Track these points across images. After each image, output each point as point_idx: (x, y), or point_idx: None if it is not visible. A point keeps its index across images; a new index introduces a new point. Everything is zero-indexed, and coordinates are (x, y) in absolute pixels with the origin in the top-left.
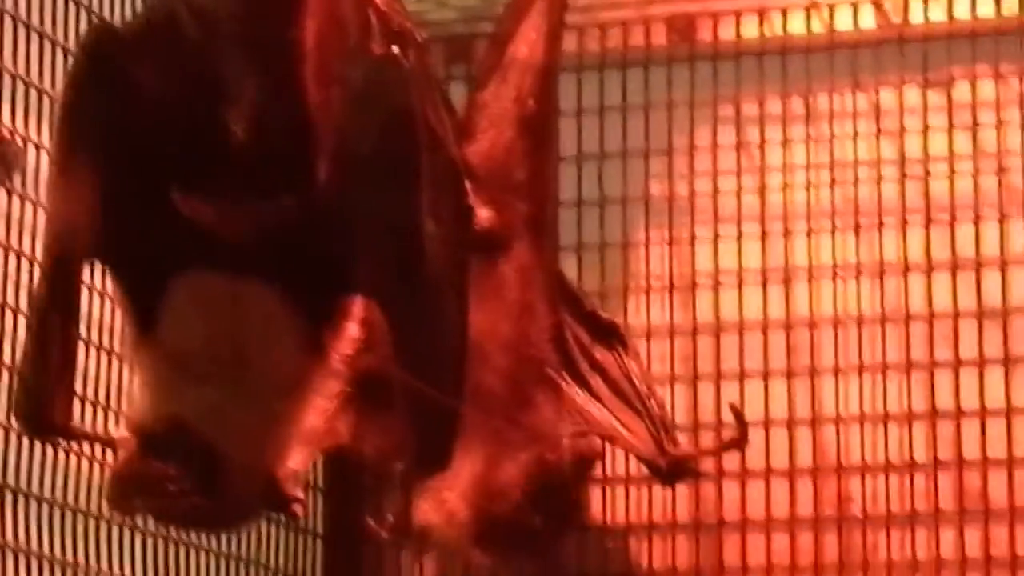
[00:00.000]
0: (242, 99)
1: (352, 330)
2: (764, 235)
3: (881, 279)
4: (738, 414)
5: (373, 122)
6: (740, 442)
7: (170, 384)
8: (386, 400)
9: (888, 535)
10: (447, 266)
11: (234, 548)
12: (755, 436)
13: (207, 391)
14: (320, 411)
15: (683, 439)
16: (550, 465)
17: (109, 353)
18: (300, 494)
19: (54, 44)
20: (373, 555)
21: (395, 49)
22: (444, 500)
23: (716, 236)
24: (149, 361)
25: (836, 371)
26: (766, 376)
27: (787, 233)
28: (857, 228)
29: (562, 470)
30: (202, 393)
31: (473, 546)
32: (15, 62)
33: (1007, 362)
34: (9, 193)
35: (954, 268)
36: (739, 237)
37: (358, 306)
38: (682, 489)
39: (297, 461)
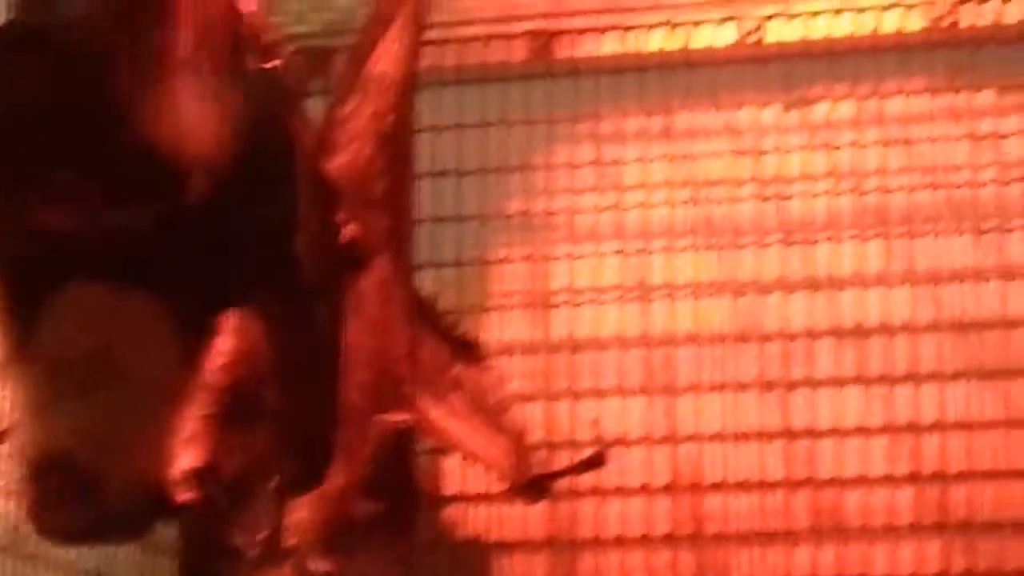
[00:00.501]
0: (112, 107)
1: (225, 343)
2: (622, 253)
3: (739, 298)
4: (596, 432)
5: (250, 134)
6: (598, 461)
7: (47, 397)
8: (258, 415)
9: (744, 553)
10: (319, 281)
11: (84, 563)
12: (612, 454)
13: (84, 404)
14: (192, 423)
15: (540, 457)
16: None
17: None
18: (191, 494)
19: None
20: (229, 573)
21: (273, 63)
22: (303, 515)
23: (574, 254)
24: (26, 374)
25: (693, 389)
26: (623, 394)
27: (645, 251)
28: (715, 246)
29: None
30: (79, 406)
31: (328, 556)
32: None
33: (863, 381)
34: None
35: (811, 287)
36: (597, 254)
37: (232, 319)
38: (538, 507)
39: (181, 464)
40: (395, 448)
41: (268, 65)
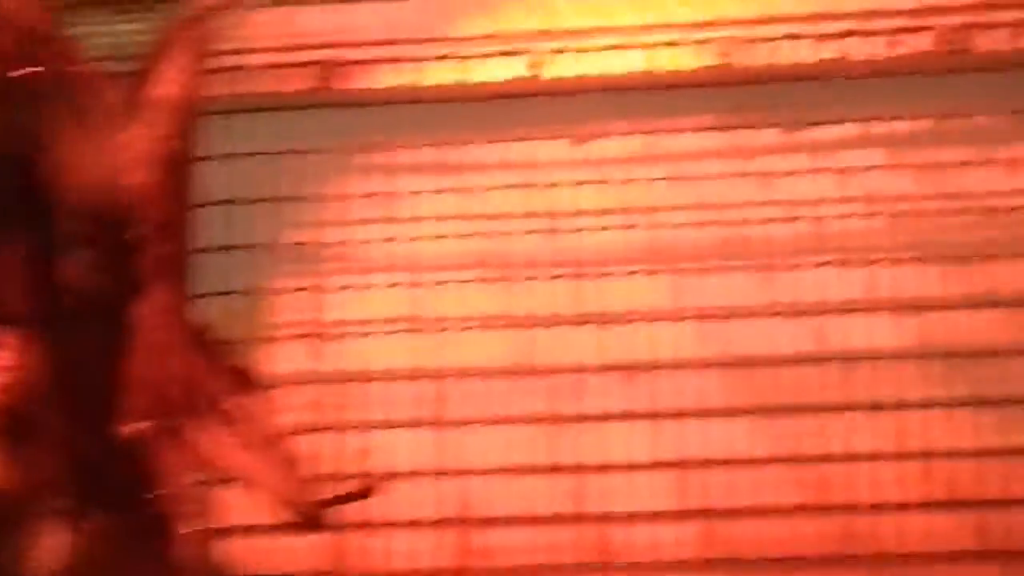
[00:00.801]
0: None
1: None
2: (397, 285)
3: (513, 332)
4: (367, 464)
5: (16, 147)
6: (367, 491)
7: None
8: (34, 434)
9: None
10: (98, 305)
11: None
12: (382, 486)
13: None
14: None
15: (314, 487)
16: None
17: None
18: None
19: None
20: None
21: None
22: (78, 541)
23: (349, 285)
24: None
25: (465, 423)
26: (395, 426)
27: (420, 284)
28: (491, 280)
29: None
30: None
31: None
32: None
33: (633, 417)
34: None
35: (587, 322)
36: (372, 287)
37: (4, 338)
38: (308, 539)
39: None
40: (144, 466)
41: (33, 72)
